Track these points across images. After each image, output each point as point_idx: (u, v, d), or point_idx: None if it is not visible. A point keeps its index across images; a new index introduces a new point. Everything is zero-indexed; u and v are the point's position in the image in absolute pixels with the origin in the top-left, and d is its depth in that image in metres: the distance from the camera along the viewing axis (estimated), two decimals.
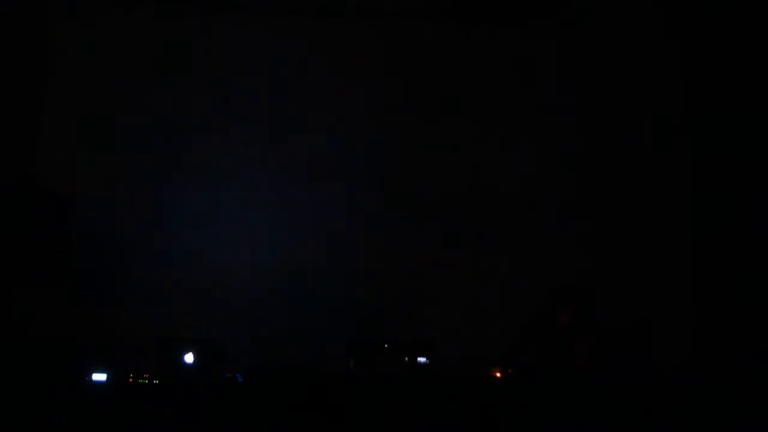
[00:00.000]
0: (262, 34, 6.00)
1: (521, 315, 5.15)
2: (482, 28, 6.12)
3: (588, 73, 6.09)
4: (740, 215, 5.53)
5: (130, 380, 4.39)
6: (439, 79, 6.07)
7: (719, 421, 4.35)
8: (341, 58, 6.03)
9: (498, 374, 4.63)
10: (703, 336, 5.56)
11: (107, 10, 5.88)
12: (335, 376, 4.51)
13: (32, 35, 5.80)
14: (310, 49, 6.01)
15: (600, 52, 6.11)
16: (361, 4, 6.04)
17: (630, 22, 6.11)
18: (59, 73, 5.84)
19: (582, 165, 5.99)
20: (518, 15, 6.09)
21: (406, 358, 4.65)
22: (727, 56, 5.76)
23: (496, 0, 6.05)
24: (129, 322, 5.44)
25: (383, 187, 5.94)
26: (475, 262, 5.84)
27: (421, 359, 4.66)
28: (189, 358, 4.52)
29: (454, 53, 6.11)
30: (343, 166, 5.93)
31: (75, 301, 5.42)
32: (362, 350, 4.67)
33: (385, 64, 6.05)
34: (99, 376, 4.34)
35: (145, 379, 4.41)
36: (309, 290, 5.72)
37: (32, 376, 4.19)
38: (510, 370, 4.63)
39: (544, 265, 5.72)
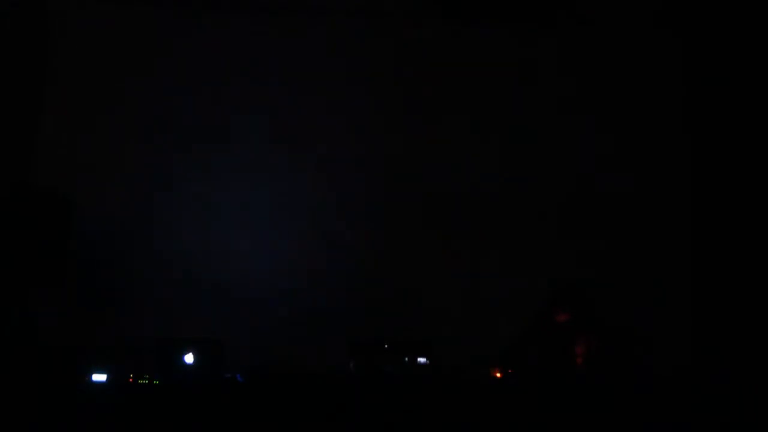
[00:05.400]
0: (261, 34, 6.00)
1: (521, 315, 5.15)
2: (482, 28, 6.12)
3: (588, 73, 6.09)
4: (740, 215, 5.53)
5: (130, 380, 4.39)
6: (439, 79, 6.07)
7: (719, 422, 4.35)
8: (341, 58, 6.02)
9: (498, 374, 4.63)
10: (703, 336, 5.56)
11: (107, 10, 5.88)
12: (335, 376, 4.51)
13: (32, 35, 5.80)
14: (310, 49, 6.01)
15: (600, 52, 6.11)
16: (361, 4, 6.04)
17: (630, 22, 6.11)
18: (59, 73, 5.84)
19: (582, 164, 5.99)
20: (518, 15, 6.09)
21: (406, 358, 4.64)
22: (727, 56, 5.76)
23: (496, 0, 6.06)
24: (129, 322, 5.44)
25: (383, 186, 5.94)
26: (475, 261, 5.84)
27: (421, 359, 4.66)
28: (189, 358, 4.52)
29: (454, 53, 6.11)
30: (343, 166, 5.93)
31: (75, 301, 5.42)
32: (362, 350, 4.67)
33: (385, 64, 6.05)
34: (99, 377, 4.34)
35: (145, 379, 4.41)
36: (309, 290, 5.72)
37: (32, 376, 4.19)
38: (510, 370, 4.63)
39: (543, 265, 5.72)
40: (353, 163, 5.94)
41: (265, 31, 6.01)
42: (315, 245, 5.81)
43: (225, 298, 5.64)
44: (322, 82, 6.00)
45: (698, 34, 5.95)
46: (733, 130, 5.65)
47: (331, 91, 5.99)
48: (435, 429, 4.31)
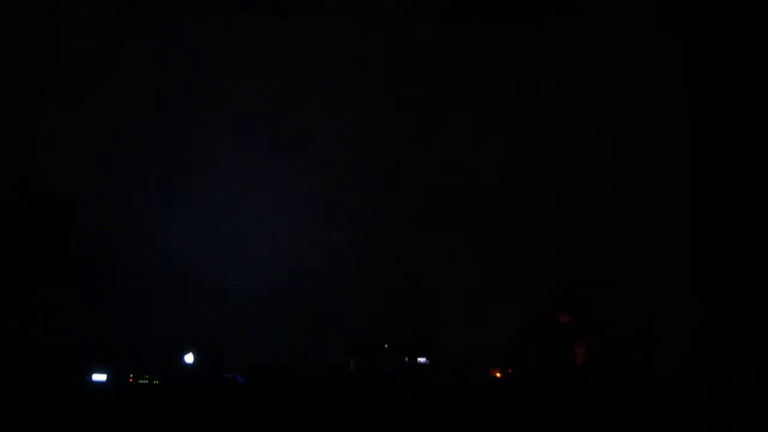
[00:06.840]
0: (262, 35, 6.00)
1: (521, 315, 5.15)
2: (482, 28, 6.12)
3: (587, 73, 6.09)
4: (741, 215, 5.53)
5: (130, 380, 4.39)
6: (439, 79, 6.07)
7: (719, 422, 4.35)
8: (341, 58, 6.02)
9: (498, 374, 4.63)
10: (704, 336, 5.56)
11: (107, 10, 5.88)
12: (335, 376, 4.51)
13: (32, 34, 5.79)
14: (310, 50, 6.01)
15: (600, 52, 6.10)
16: (361, 4, 6.04)
17: (630, 22, 6.11)
18: (59, 73, 5.83)
19: (582, 164, 5.99)
20: (518, 15, 6.09)
21: (406, 358, 4.65)
22: (727, 55, 5.76)
23: (496, 0, 6.06)
24: (129, 322, 5.44)
25: (383, 186, 5.94)
26: (475, 262, 5.84)
27: (421, 359, 4.66)
28: (189, 358, 4.52)
29: (454, 53, 6.10)
30: (343, 166, 5.93)
31: (75, 301, 5.42)
32: (362, 350, 4.67)
33: (385, 64, 6.05)
34: (99, 376, 4.34)
35: (145, 379, 4.41)
36: (309, 290, 5.72)
37: (32, 376, 4.19)
38: (510, 370, 4.63)
39: (544, 265, 5.71)
40: (353, 163, 5.93)
41: (267, 32, 6.01)
42: (315, 245, 5.81)
43: (225, 298, 5.63)
44: (321, 82, 5.99)
45: (698, 34, 5.95)
46: (734, 130, 5.65)
47: (331, 91, 5.99)
48: (435, 429, 4.31)
